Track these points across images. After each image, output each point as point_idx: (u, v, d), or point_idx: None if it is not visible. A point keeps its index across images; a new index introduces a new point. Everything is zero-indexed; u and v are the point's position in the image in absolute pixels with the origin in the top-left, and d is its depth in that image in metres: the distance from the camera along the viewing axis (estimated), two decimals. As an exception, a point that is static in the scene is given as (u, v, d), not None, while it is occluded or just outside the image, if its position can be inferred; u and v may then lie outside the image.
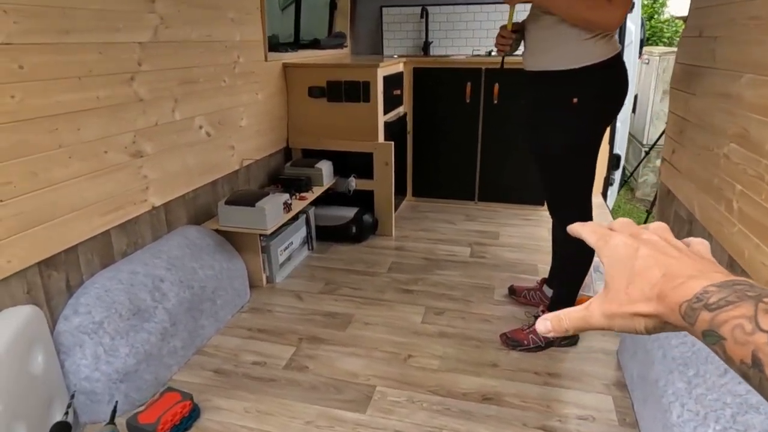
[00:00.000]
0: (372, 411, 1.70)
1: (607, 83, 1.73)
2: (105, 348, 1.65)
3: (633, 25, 3.61)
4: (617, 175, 4.01)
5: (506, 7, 1.84)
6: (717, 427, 1.18)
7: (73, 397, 1.44)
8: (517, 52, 1.97)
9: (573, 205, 1.89)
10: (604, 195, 3.87)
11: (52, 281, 1.62)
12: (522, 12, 1.91)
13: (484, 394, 1.77)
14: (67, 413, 1.35)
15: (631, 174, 5.62)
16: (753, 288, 0.33)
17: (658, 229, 0.43)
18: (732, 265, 1.56)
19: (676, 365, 1.43)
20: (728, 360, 0.32)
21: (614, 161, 3.89)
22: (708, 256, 0.41)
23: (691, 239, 0.43)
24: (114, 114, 1.79)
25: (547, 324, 0.44)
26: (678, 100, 2.15)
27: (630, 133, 6.41)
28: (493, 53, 3.66)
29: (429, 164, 3.70)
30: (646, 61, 5.58)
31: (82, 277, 1.74)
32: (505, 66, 2.04)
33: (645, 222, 3.99)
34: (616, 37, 1.76)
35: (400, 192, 3.66)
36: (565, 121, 1.75)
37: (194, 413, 1.64)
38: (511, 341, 2.01)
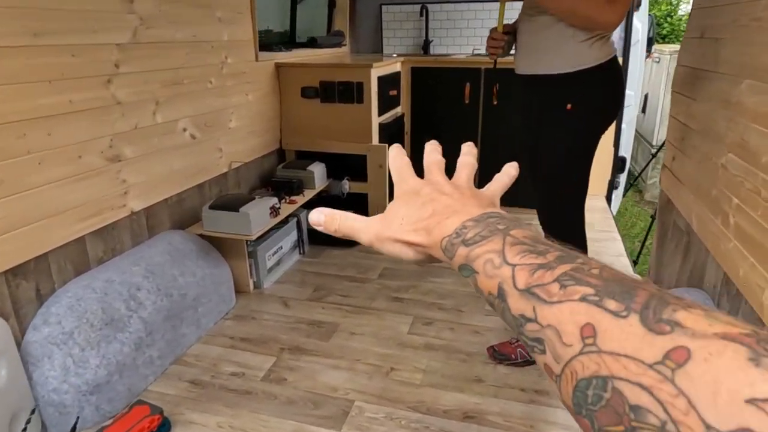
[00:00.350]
0: (348, 428, 1.64)
1: (602, 87, 1.64)
2: (74, 359, 1.60)
3: (639, 23, 3.49)
4: (622, 178, 3.90)
5: (509, 5, 1.75)
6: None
7: (33, 412, 1.40)
8: (512, 52, 1.89)
9: (565, 214, 1.80)
10: (608, 199, 3.76)
11: (21, 290, 1.58)
12: (510, 11, 1.82)
13: (466, 411, 1.70)
14: (25, 429, 1.31)
15: (638, 175, 5.49)
16: (503, 220, 0.35)
17: (458, 169, 0.46)
18: (727, 283, 1.47)
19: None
20: (479, 291, 0.34)
21: (619, 164, 3.77)
22: (487, 192, 0.45)
23: (504, 167, 0.48)
24: (89, 118, 1.74)
25: (321, 217, 0.45)
26: (679, 105, 2.05)
27: (639, 133, 6.27)
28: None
29: (427, 166, 3.62)
30: (657, 59, 5.43)
31: (54, 285, 1.70)
32: (499, 66, 1.97)
33: (650, 228, 3.86)
34: (614, 38, 1.67)
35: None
36: (558, 126, 1.67)
37: (163, 428, 1.59)
38: (499, 355, 1.93)
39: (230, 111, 2.55)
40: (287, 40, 3.33)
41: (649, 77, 6.09)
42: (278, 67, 2.95)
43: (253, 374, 1.90)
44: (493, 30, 1.79)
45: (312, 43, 3.53)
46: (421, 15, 3.77)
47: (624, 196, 4.54)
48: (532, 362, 1.91)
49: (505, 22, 1.79)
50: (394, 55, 3.65)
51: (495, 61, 1.95)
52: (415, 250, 0.40)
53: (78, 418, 1.44)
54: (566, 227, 1.83)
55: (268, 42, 3.07)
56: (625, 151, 3.83)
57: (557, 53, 1.59)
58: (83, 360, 1.62)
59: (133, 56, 1.90)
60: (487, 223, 0.35)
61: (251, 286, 2.50)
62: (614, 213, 4.06)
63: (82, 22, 1.68)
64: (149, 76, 1.99)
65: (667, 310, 0.23)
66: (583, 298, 0.26)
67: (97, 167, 1.80)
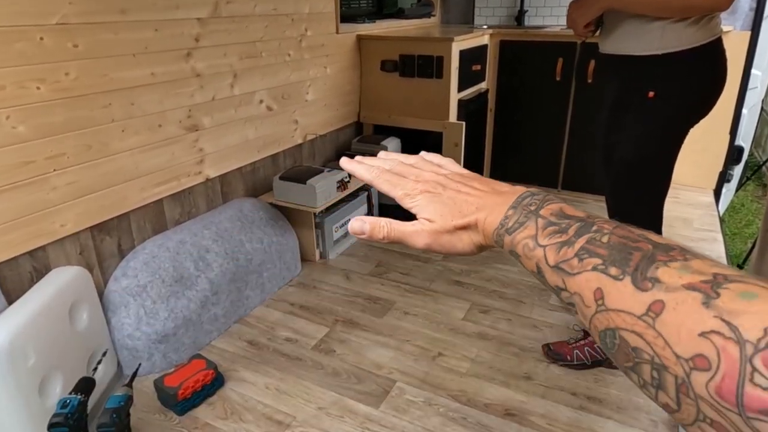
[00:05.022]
0: (385, 407, 1.66)
1: (696, 76, 1.42)
2: (146, 310, 1.77)
3: (778, -9, 2.98)
4: (737, 170, 3.43)
5: None
6: None
7: (105, 354, 1.57)
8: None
9: (638, 218, 1.63)
10: (717, 193, 3.34)
11: (105, 245, 1.77)
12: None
13: (508, 408, 1.65)
14: (95, 369, 1.49)
15: (761, 165, 4.81)
16: (533, 197, 0.41)
17: (456, 171, 0.49)
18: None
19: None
20: (524, 267, 0.40)
21: (735, 154, 3.32)
22: (500, 183, 0.47)
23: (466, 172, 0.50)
24: (169, 89, 1.86)
25: (365, 226, 0.46)
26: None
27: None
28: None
29: (510, 145, 3.46)
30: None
31: (134, 242, 1.88)
32: (588, 41, 1.81)
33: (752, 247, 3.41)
34: (743, 9, 1.43)
35: (476, 173, 3.47)
36: (636, 116, 1.50)
37: (217, 382, 1.72)
38: (553, 354, 1.83)
39: (307, 84, 2.60)
40: (374, 11, 3.30)
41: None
42: (360, 39, 2.94)
43: (306, 342, 1.98)
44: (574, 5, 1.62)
45: (399, 13, 3.46)
46: (517, -17, 3.53)
47: (738, 190, 4.02)
48: (590, 366, 1.80)
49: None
50: (485, 27, 3.48)
51: (584, 40, 1.79)
52: (470, 233, 0.44)
53: (139, 365, 1.60)
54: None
55: (353, 14, 3.07)
56: (744, 139, 3.36)
57: (644, 32, 1.40)
58: (154, 312, 1.79)
59: (213, 30, 1.99)
60: (522, 208, 0.41)
61: (317, 256, 2.58)
62: (723, 210, 3.62)
63: (165, -1, 1.78)
64: (228, 50, 2.08)
65: (651, 269, 0.30)
66: (594, 268, 0.33)
67: (176, 136, 1.94)
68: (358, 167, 0.50)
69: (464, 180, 0.47)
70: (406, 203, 0.46)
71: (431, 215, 0.45)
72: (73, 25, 1.52)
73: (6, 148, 1.42)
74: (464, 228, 0.44)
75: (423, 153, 0.52)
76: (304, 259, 2.53)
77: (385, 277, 2.44)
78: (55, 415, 1.25)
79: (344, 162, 0.51)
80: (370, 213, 2.90)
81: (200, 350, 1.92)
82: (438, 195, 0.45)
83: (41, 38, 1.45)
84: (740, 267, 3.25)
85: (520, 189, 0.43)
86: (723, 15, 2.94)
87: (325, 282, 2.41)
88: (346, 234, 2.72)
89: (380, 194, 2.95)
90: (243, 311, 2.14)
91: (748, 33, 2.98)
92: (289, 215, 2.44)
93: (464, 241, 0.44)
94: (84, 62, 1.57)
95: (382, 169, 0.49)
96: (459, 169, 0.50)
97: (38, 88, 1.46)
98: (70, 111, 1.56)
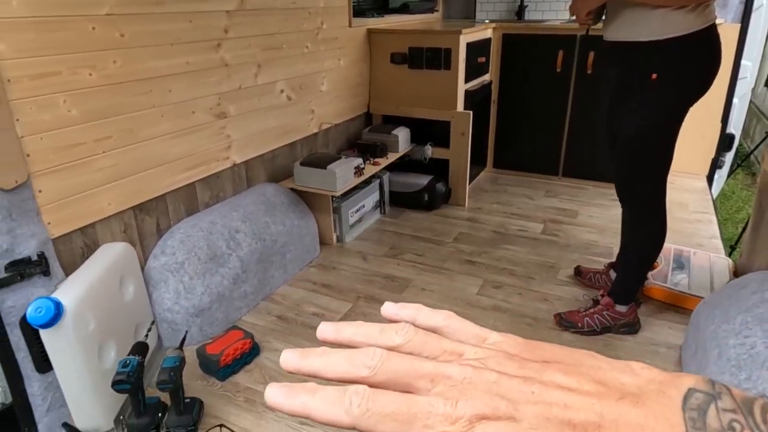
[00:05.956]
0: (412, 371, 1.78)
1: (694, 58, 1.56)
2: (185, 286, 1.88)
3: (765, -15, 3.14)
4: (728, 157, 3.60)
5: None
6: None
7: (153, 323, 1.68)
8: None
9: (642, 190, 1.77)
10: (710, 179, 3.51)
11: (145, 224, 1.87)
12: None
13: (526, 370, 1.77)
14: (146, 335, 1.59)
15: (749, 154, 4.99)
16: (716, 401, 0.21)
17: (475, 334, 0.26)
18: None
19: (729, 366, 1.33)
20: None
21: (726, 141, 3.49)
22: (600, 357, 0.25)
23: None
24: (201, 78, 1.97)
25: None
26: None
27: (760, 110, 5.67)
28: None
29: (512, 135, 3.59)
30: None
31: (170, 222, 1.98)
32: (592, 33, 1.94)
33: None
34: (714, 6, 1.58)
35: (480, 162, 3.61)
36: (640, 97, 1.63)
37: (254, 351, 1.84)
38: (565, 322, 1.97)
39: (323, 75, 2.71)
40: (380, 6, 3.43)
41: (777, 46, 5.44)
42: (370, 32, 3.06)
43: (331, 316, 2.10)
44: (578, -3, 1.75)
45: (404, 8, 3.58)
46: (517, -21, 3.67)
47: (729, 177, 4.19)
48: (599, 332, 1.93)
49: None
50: (486, 21, 3.61)
51: (587, 30, 1.92)
52: None
53: (186, 332, 1.71)
54: (643, 204, 1.80)
55: (361, 8, 3.19)
56: (735, 127, 3.52)
57: (646, 19, 1.54)
58: (191, 287, 1.90)
59: (239, 22, 2.10)
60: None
61: (334, 240, 2.70)
62: (715, 195, 3.79)
63: (198, -9, 1.89)
64: (252, 41, 2.19)
65: None
66: None
67: (206, 122, 2.04)
68: (317, 402, 0.24)
69: (529, 369, 0.24)
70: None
71: None
72: (119, 15, 1.63)
73: (61, 130, 1.52)
74: None
75: (394, 309, 0.29)
76: (322, 242, 2.65)
77: (401, 257, 2.57)
78: (118, 374, 1.36)
79: (274, 397, 0.25)
80: (381, 200, 3.01)
81: (231, 324, 2.03)
82: (511, 423, 0.22)
83: (93, 28, 1.55)
84: (733, 248, 3.41)
85: (653, 372, 0.23)
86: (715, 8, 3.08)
87: (343, 263, 2.52)
88: (361, 219, 2.84)
89: (392, 182, 3.09)
90: (268, 290, 2.25)
91: (738, 25, 3.14)
92: (307, 200, 2.56)
93: None
94: (129, 51, 1.67)
95: (366, 395, 0.23)
96: (479, 330, 0.27)
97: (90, 74, 1.56)
98: (116, 96, 1.66)
